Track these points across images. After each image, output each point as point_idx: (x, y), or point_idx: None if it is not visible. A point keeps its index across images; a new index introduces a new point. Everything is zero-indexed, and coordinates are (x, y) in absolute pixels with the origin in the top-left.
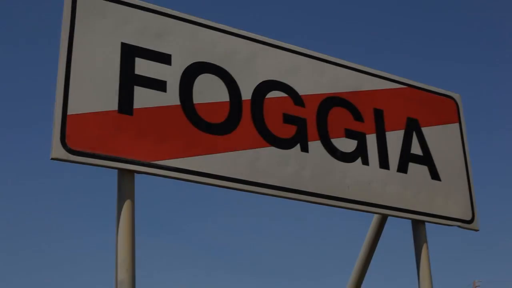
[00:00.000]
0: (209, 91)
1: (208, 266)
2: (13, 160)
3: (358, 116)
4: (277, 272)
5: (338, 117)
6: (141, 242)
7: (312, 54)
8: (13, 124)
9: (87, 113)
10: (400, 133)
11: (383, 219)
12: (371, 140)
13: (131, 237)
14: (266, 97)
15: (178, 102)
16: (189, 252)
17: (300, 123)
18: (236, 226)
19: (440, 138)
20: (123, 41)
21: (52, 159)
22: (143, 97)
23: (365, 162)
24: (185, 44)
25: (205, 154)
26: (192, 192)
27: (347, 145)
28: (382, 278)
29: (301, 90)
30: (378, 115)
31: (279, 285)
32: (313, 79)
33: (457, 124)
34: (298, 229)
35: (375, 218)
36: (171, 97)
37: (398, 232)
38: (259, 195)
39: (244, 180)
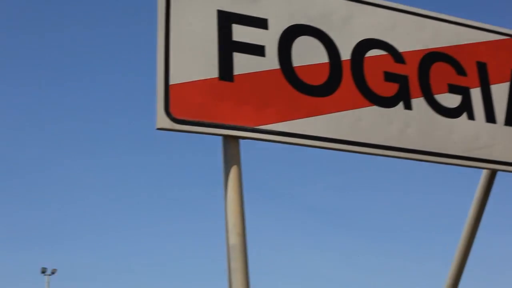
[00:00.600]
0: (308, 53)
1: (315, 228)
2: (120, 132)
3: (460, 71)
4: (384, 232)
5: (440, 72)
6: (249, 207)
7: (410, 10)
8: (118, 98)
9: (188, 82)
10: (505, 86)
11: (492, 175)
12: (476, 94)
13: (240, 202)
14: (366, 56)
15: (277, 66)
16: (297, 215)
17: (401, 80)
18: (341, 188)
19: None
20: (219, 8)
21: (157, 129)
22: (242, 63)
23: (471, 117)
24: (281, 7)
25: (307, 117)
26: (295, 155)
27: (451, 100)
28: (494, 234)
29: (401, 47)
30: (482, 68)
31: (388, 245)
32: (413, 35)
33: None
34: (402, 189)
35: (483, 174)
36: (270, 61)
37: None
38: (362, 155)
39: (348, 141)
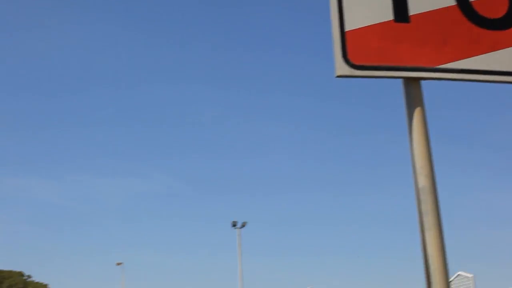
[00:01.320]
0: None
1: (501, 168)
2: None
3: None
4: None
5: None
6: (435, 149)
7: None
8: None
9: (364, 27)
10: None
11: None
12: None
13: (426, 143)
14: None
15: (453, 2)
16: (482, 154)
17: None
18: None
19: None
20: None
21: (337, 76)
22: (417, 3)
23: None
24: None
25: (489, 52)
26: (477, 92)
27: None
28: None
29: None
30: None
31: None
32: None
33: None
34: None
35: None
36: None
37: None
38: None
39: None
